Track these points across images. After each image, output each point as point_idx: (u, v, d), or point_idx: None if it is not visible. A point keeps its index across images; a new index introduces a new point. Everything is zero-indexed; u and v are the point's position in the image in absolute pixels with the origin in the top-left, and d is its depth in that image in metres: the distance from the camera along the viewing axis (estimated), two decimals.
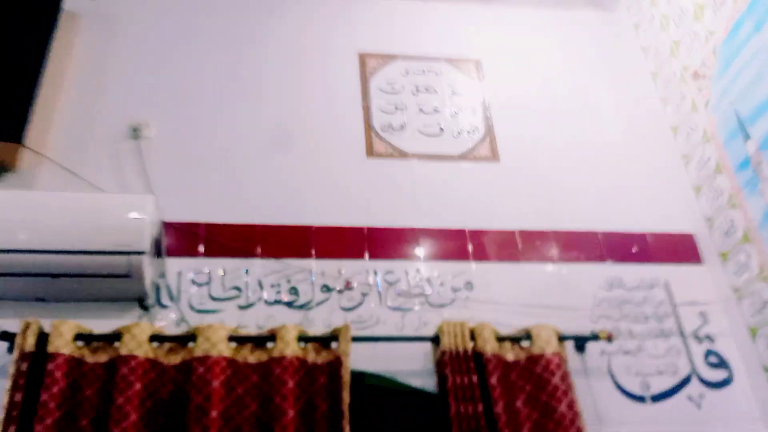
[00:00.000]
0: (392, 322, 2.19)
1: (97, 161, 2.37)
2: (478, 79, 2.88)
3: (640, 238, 2.47)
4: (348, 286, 2.24)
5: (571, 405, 1.90)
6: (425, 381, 2.07)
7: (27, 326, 1.79)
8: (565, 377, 1.95)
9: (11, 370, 1.72)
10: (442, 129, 2.70)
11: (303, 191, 2.44)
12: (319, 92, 2.71)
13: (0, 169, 2.22)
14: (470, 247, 2.38)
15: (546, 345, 1.99)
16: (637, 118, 2.84)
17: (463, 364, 1.92)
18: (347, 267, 2.28)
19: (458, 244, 2.38)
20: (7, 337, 1.84)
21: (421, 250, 2.36)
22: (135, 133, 2.43)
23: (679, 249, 2.47)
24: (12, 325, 1.89)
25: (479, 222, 2.44)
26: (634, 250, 2.44)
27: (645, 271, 2.39)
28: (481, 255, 2.36)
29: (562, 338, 2.05)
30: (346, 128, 2.63)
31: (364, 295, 2.23)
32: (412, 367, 2.09)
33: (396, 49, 2.91)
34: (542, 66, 2.98)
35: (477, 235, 2.41)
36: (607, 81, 2.96)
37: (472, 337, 2.00)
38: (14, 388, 1.70)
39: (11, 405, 1.68)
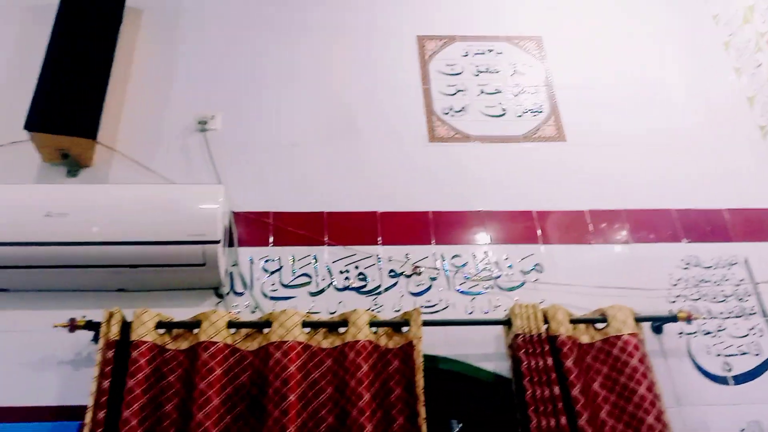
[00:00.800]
0: (461, 306, 2.18)
1: (165, 154, 2.42)
2: (539, 57, 2.82)
3: (716, 215, 2.39)
4: (415, 270, 2.24)
5: (651, 387, 1.86)
6: (497, 364, 2.06)
7: (111, 315, 1.86)
8: (643, 359, 1.90)
9: (98, 357, 1.79)
10: (504, 110, 2.65)
11: (367, 178, 2.44)
12: (378, 77, 2.70)
13: (76, 164, 2.29)
14: (538, 229, 2.34)
15: (622, 326, 1.95)
16: (709, 90, 2.73)
17: (537, 347, 1.90)
18: (414, 252, 2.28)
19: (525, 226, 2.35)
20: (92, 326, 1.91)
21: (487, 234, 2.33)
22: (201, 125, 2.48)
23: (758, 226, 2.37)
24: (95, 315, 1.96)
25: (546, 203, 2.41)
26: (710, 227, 2.36)
27: (723, 248, 2.31)
28: (549, 236, 2.33)
29: (638, 319, 2.00)
30: (407, 113, 2.62)
31: (432, 279, 2.23)
32: (483, 350, 2.08)
33: (454, 30, 2.87)
34: (606, 40, 2.89)
35: (545, 217, 2.37)
36: (676, 53, 2.85)
37: (545, 319, 1.98)
38: (101, 376, 1.76)
39: (100, 392, 1.74)
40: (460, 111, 2.64)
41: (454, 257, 2.28)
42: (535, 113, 2.65)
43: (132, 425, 1.71)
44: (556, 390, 1.83)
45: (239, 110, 2.56)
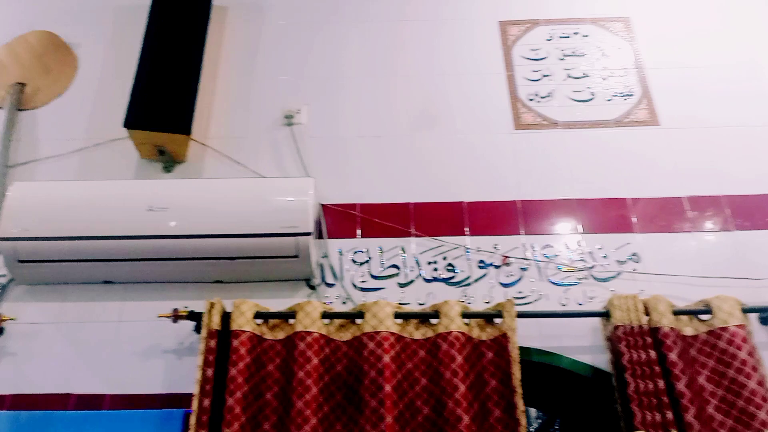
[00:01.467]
0: (554, 297, 2.14)
1: (254, 148, 2.47)
2: (628, 38, 2.72)
3: None
4: (505, 261, 2.21)
5: (762, 381, 1.77)
6: (594, 357, 2.01)
7: (212, 306, 1.91)
8: (752, 352, 1.82)
9: (201, 347, 1.84)
10: (593, 94, 2.57)
11: (453, 167, 2.42)
12: (461, 66, 2.67)
13: (171, 160, 2.37)
14: (633, 217, 2.27)
15: (729, 317, 1.87)
16: None
17: (638, 339, 1.85)
18: (503, 242, 2.25)
19: (619, 214, 2.28)
20: (194, 316, 1.98)
21: (579, 222, 2.28)
22: (288, 119, 2.51)
23: None
24: (195, 305, 2.03)
25: (641, 190, 2.33)
26: None
27: None
28: (645, 224, 2.25)
29: (745, 310, 1.91)
30: (491, 101, 2.57)
31: (522, 270, 2.19)
32: (579, 343, 2.04)
33: (537, 13, 2.80)
34: (698, 18, 2.76)
35: (640, 204, 2.29)
36: None
37: (646, 311, 1.91)
38: (205, 364, 1.82)
39: (204, 379, 1.80)
40: (546, 97, 2.57)
41: (545, 247, 2.23)
42: (626, 97, 2.55)
43: (236, 412, 1.76)
44: (661, 384, 1.77)
45: (324, 103, 2.58)
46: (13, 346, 2.03)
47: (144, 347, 2.03)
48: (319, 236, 2.25)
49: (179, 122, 2.25)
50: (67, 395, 1.95)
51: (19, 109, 2.50)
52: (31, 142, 2.45)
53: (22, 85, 2.54)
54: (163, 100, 2.27)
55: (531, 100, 2.57)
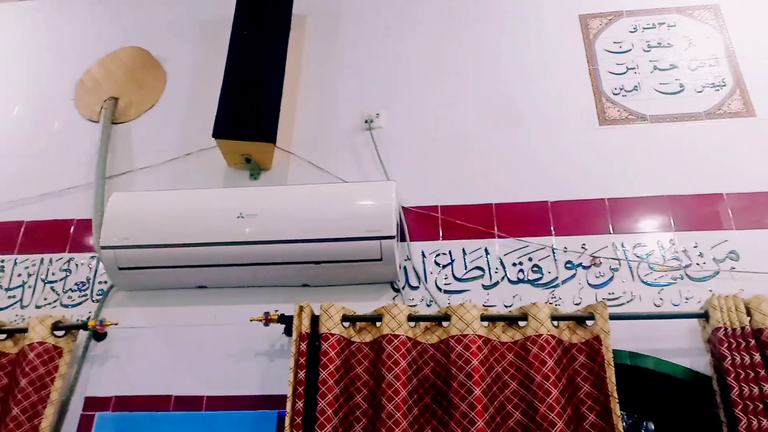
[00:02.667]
0: (647, 298, 2.06)
1: (335, 153, 2.50)
2: (717, 27, 2.60)
3: None
4: (594, 261, 2.15)
5: None
6: (692, 360, 1.93)
7: (301, 309, 1.95)
8: None
9: (292, 350, 1.88)
10: (681, 86, 2.47)
11: (535, 166, 2.37)
12: (541, 62, 2.61)
13: (257, 167, 2.43)
14: (730, 212, 2.16)
15: None
16: None
17: (741, 342, 1.76)
18: (591, 242, 2.19)
19: (714, 210, 2.18)
20: (284, 320, 2.02)
21: (672, 220, 2.19)
22: (367, 123, 2.54)
23: None
24: (284, 308, 2.07)
25: (737, 184, 2.22)
26: None
27: None
28: (743, 220, 2.14)
29: None
30: (574, 96, 2.51)
31: (613, 270, 2.13)
32: (675, 345, 1.96)
33: (619, 5, 2.71)
34: None
35: (737, 199, 2.18)
36: None
37: (747, 312, 1.82)
38: (297, 367, 1.86)
39: (296, 382, 1.83)
40: (631, 90, 2.49)
41: (636, 246, 2.16)
42: (717, 88, 2.44)
43: (328, 415, 1.78)
44: (767, 388, 1.68)
45: (402, 106, 2.58)
46: (115, 349, 2.14)
47: (237, 349, 2.10)
48: (402, 239, 2.26)
49: (265, 131, 2.31)
50: (168, 396, 2.03)
51: (114, 123, 2.63)
52: (125, 154, 2.57)
53: (116, 99, 2.67)
54: (249, 110, 2.33)
55: (616, 94, 2.49)
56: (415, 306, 2.13)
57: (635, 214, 2.23)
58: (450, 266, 2.22)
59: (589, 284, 2.12)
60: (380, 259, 2.09)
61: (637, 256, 2.14)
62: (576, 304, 2.07)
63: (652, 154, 2.34)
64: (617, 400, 1.73)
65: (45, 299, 2.26)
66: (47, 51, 2.92)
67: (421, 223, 2.32)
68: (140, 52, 2.81)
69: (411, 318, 1.96)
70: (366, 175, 2.44)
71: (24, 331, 2.03)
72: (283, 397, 1.96)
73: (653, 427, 2.28)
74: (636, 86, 2.50)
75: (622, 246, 2.17)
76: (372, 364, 1.91)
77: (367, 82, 2.67)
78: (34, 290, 2.29)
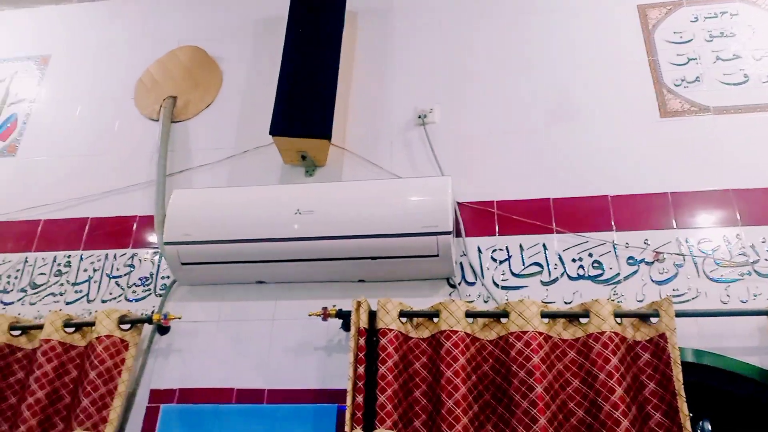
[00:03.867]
0: (714, 295, 2.01)
1: (389, 149, 2.50)
2: None
3: None
4: (657, 257, 2.10)
5: None
6: (761, 359, 1.87)
7: (359, 305, 1.96)
8: None
9: (351, 344, 1.89)
10: (746, 76, 2.39)
11: (594, 160, 2.33)
12: (598, 54, 2.56)
13: (312, 164, 2.45)
14: None
15: None
16: None
17: None
18: (653, 237, 2.14)
19: None
20: (342, 315, 2.03)
21: (738, 214, 2.12)
22: (421, 119, 2.53)
23: None
24: (341, 304, 2.09)
25: None
26: None
27: None
28: None
29: None
30: (633, 88, 2.45)
31: (677, 266, 2.08)
32: (744, 344, 1.91)
33: None
34: None
35: None
36: None
37: None
38: (356, 361, 1.87)
39: (356, 376, 1.84)
40: (693, 81, 2.42)
41: (701, 241, 2.10)
42: None
43: (388, 410, 1.79)
44: None
45: (456, 101, 2.57)
46: (179, 343, 2.19)
47: (296, 344, 2.12)
48: (457, 235, 2.25)
49: (320, 128, 2.32)
50: (230, 390, 2.07)
51: (173, 121, 2.69)
52: (184, 152, 2.63)
53: (174, 98, 2.73)
54: (305, 108, 2.35)
55: (677, 85, 2.42)
56: (472, 302, 2.12)
57: (700, 209, 2.16)
58: (507, 262, 2.19)
59: (653, 281, 2.07)
60: (437, 255, 2.08)
61: (703, 252, 2.08)
62: (639, 301, 2.03)
63: (716, 146, 2.27)
64: (685, 399, 1.69)
65: (110, 294, 2.33)
66: (107, 52, 3.00)
67: (477, 218, 2.30)
68: (197, 51, 2.86)
69: (469, 314, 1.94)
70: (420, 171, 2.43)
71: (91, 324, 2.09)
72: (342, 392, 1.99)
73: (709, 427, 2.22)
74: (698, 77, 2.43)
75: (687, 241, 2.11)
76: (430, 360, 1.90)
77: (420, 77, 2.66)
78: (99, 285, 2.36)
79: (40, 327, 2.11)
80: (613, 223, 2.19)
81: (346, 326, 2.11)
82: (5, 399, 2.04)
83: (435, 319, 1.96)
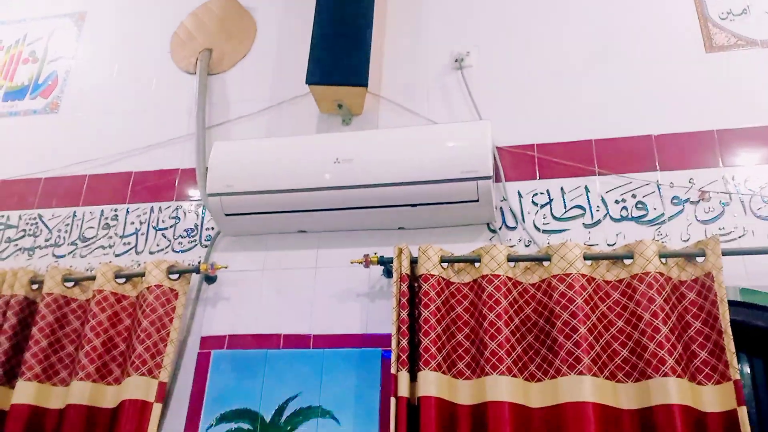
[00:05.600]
0: (761, 233, 1.97)
1: (425, 95, 2.47)
2: None
3: None
4: (703, 196, 2.06)
5: None
6: None
7: (400, 251, 1.97)
8: None
9: (394, 290, 1.91)
10: None
11: (637, 99, 2.27)
12: None
13: (349, 113, 2.44)
14: None
15: None
16: None
17: None
18: (698, 176, 2.10)
19: None
20: (383, 262, 2.06)
21: None
22: (458, 63, 2.49)
23: None
24: (382, 251, 2.12)
25: None
26: None
27: None
28: None
29: None
30: (676, 24, 2.37)
31: (723, 205, 2.04)
32: None
33: None
34: None
35: None
36: None
37: None
38: (399, 306, 1.89)
39: (400, 320, 1.87)
40: (740, 14, 2.32)
41: (747, 179, 2.05)
42: None
43: (432, 352, 1.82)
44: None
45: (494, 44, 2.51)
46: (226, 291, 2.24)
47: (339, 291, 2.16)
48: (497, 180, 2.24)
49: (356, 75, 2.30)
50: (277, 335, 2.13)
51: (209, 74, 2.70)
52: (222, 104, 2.64)
53: (210, 50, 2.73)
54: (341, 56, 2.33)
55: (723, 18, 2.33)
56: (513, 247, 2.12)
57: (747, 146, 2.10)
58: (548, 206, 2.18)
59: (698, 220, 2.04)
60: (477, 200, 2.07)
61: (750, 190, 2.03)
62: (684, 241, 2.00)
63: (764, 81, 2.19)
64: (731, 337, 1.68)
65: (157, 245, 2.39)
66: (141, 6, 3.00)
67: (517, 162, 2.27)
68: (230, 3, 2.84)
69: (510, 258, 1.94)
70: (457, 116, 2.40)
71: (141, 275, 2.16)
72: (385, 337, 2.03)
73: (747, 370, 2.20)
74: (745, 9, 2.33)
75: (733, 179, 2.06)
76: (472, 305, 1.92)
77: (455, 20, 2.60)
78: (146, 237, 2.42)
79: (93, 278, 2.18)
80: (657, 162, 2.15)
81: (387, 273, 2.14)
82: (63, 347, 2.13)
83: (476, 264, 1.97)
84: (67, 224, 2.52)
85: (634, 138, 2.21)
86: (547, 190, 2.21)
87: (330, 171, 2.12)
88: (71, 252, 2.46)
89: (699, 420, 1.66)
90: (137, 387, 1.98)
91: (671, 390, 1.65)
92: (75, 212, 2.53)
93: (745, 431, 1.57)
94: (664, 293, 1.79)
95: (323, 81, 2.31)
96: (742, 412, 1.59)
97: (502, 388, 1.74)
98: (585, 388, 1.70)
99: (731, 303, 1.84)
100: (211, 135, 2.54)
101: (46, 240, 2.50)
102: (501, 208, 2.21)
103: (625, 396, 1.74)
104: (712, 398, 1.68)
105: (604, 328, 1.82)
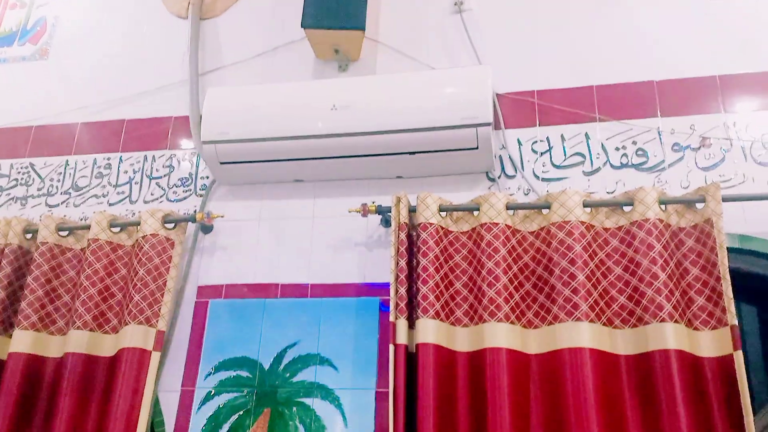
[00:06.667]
0: (761, 179, 1.96)
1: (423, 40, 2.41)
2: None
3: None
4: (704, 143, 2.04)
5: None
6: None
7: (399, 200, 1.95)
8: None
9: (393, 239, 1.90)
10: None
11: (638, 44, 2.22)
12: None
13: (346, 58, 2.39)
14: None
15: None
16: None
17: None
18: (700, 122, 2.07)
19: None
20: (381, 211, 2.04)
21: None
22: (457, 6, 2.42)
23: None
24: (379, 200, 2.11)
25: None
26: None
27: None
28: None
29: None
30: None
31: (724, 151, 2.01)
32: None
33: None
34: None
35: None
36: None
37: None
38: (398, 254, 1.89)
39: (398, 269, 1.87)
40: None
41: (749, 126, 2.03)
42: None
43: (430, 300, 1.82)
44: None
45: None
46: (222, 241, 2.23)
47: (336, 241, 2.15)
48: (496, 127, 2.20)
49: (354, 18, 2.24)
50: (275, 285, 2.12)
51: (202, 19, 2.62)
52: (214, 50, 2.57)
53: None
54: None
55: None
56: (512, 195, 2.09)
57: (748, 92, 2.07)
58: (548, 153, 2.15)
59: (698, 167, 2.02)
60: (476, 148, 2.04)
61: (751, 137, 2.01)
62: (684, 188, 1.99)
63: (764, 26, 2.14)
64: (730, 283, 1.68)
65: (152, 194, 2.36)
66: None
67: (516, 110, 2.24)
68: None
69: (510, 206, 1.92)
70: (456, 61, 2.35)
71: (137, 224, 2.13)
72: (383, 286, 2.04)
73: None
74: None
75: (734, 125, 2.04)
76: (470, 253, 1.91)
77: None
78: (140, 186, 2.39)
79: (87, 227, 2.16)
80: (658, 109, 2.12)
81: (385, 222, 2.12)
82: (59, 297, 2.13)
83: (475, 213, 1.95)
84: (60, 173, 2.48)
85: (636, 84, 2.17)
86: (547, 138, 2.18)
87: (327, 118, 2.08)
88: (64, 201, 2.43)
89: (695, 365, 1.67)
90: (135, 335, 1.98)
91: (668, 335, 1.66)
92: (67, 161, 2.50)
93: (741, 375, 1.58)
94: (663, 240, 1.78)
95: (320, 24, 2.24)
96: (738, 357, 1.61)
97: (500, 334, 1.75)
98: (582, 334, 1.71)
99: (729, 250, 1.84)
100: (205, 82, 2.48)
101: (39, 189, 2.47)
102: (500, 156, 2.18)
103: (622, 342, 1.75)
104: (708, 343, 1.69)
105: (602, 275, 1.82)
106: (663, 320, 1.68)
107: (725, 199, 1.79)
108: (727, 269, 1.69)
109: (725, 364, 1.64)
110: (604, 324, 1.76)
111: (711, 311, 1.71)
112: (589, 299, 1.75)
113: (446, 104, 2.05)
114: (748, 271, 1.90)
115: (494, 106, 2.20)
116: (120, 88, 2.58)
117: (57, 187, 2.46)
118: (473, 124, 2.02)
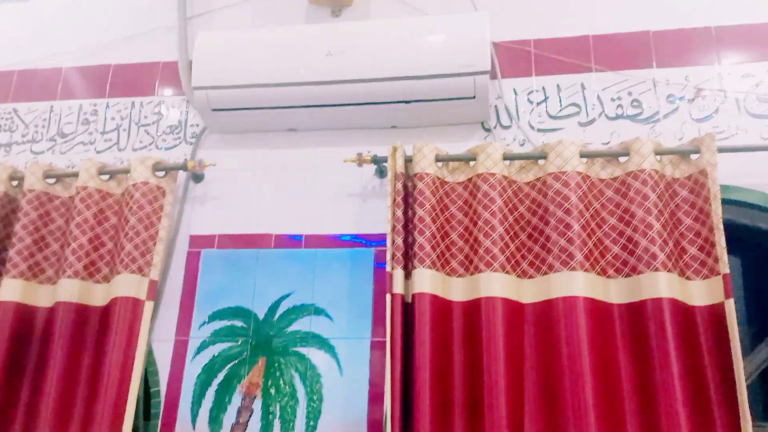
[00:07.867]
0: (755, 131, 1.97)
1: None
2: None
3: None
4: (698, 94, 2.04)
5: None
6: None
7: (395, 150, 1.93)
8: None
9: (389, 189, 1.89)
10: None
11: None
12: None
13: (339, 3, 2.32)
14: None
15: None
16: None
17: None
18: (695, 74, 2.07)
19: None
20: (377, 160, 2.02)
21: None
22: None
23: None
24: (374, 150, 2.08)
25: None
26: None
27: None
28: None
29: None
30: None
31: (718, 102, 2.02)
32: None
33: None
34: None
35: None
36: None
37: None
38: (394, 204, 1.88)
39: (395, 219, 1.86)
40: None
41: (744, 77, 2.03)
42: None
43: (426, 251, 1.82)
44: None
45: None
46: (214, 190, 2.19)
47: (331, 191, 2.13)
48: (493, 77, 2.18)
49: None
50: (269, 235, 2.10)
51: None
52: None
53: None
54: None
55: None
56: (508, 146, 2.09)
57: (744, 43, 2.07)
58: (544, 104, 2.14)
59: (692, 118, 2.02)
60: (473, 97, 2.02)
61: (746, 88, 2.01)
62: (678, 139, 2.00)
63: None
64: (723, 232, 1.71)
65: (140, 142, 2.31)
66: None
67: (513, 59, 2.21)
68: None
69: (506, 157, 1.92)
70: (450, 8, 2.30)
71: (126, 172, 2.09)
72: (378, 236, 2.04)
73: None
74: None
75: (729, 77, 2.04)
76: (466, 204, 1.91)
77: None
78: (129, 133, 2.33)
79: (75, 175, 2.11)
80: (653, 60, 2.11)
81: (380, 172, 2.11)
82: (48, 245, 2.09)
83: (471, 163, 1.95)
84: (45, 119, 2.41)
85: (632, 34, 2.15)
86: (543, 88, 2.16)
87: (321, 64, 2.03)
88: (50, 148, 2.36)
89: (686, 313, 1.71)
90: (128, 284, 1.96)
91: (661, 284, 1.69)
92: (52, 106, 2.42)
93: (731, 321, 1.62)
94: (657, 190, 1.80)
95: None
96: (729, 305, 1.64)
97: (496, 284, 1.77)
98: (577, 283, 1.73)
99: (724, 201, 1.86)
100: (194, 26, 2.40)
101: (23, 135, 2.40)
102: (496, 106, 2.17)
103: (615, 290, 1.78)
104: (700, 292, 1.72)
105: (597, 225, 1.83)
106: (656, 269, 1.70)
107: (720, 150, 1.80)
108: (721, 219, 1.72)
109: (716, 312, 1.68)
110: (599, 273, 1.78)
111: (703, 260, 1.74)
112: (584, 249, 1.77)
113: (443, 52, 2.01)
114: (733, 222, 1.92)
115: (491, 55, 2.17)
116: (105, 32, 2.48)
117: (42, 134, 2.39)
118: (471, 72, 1.99)
